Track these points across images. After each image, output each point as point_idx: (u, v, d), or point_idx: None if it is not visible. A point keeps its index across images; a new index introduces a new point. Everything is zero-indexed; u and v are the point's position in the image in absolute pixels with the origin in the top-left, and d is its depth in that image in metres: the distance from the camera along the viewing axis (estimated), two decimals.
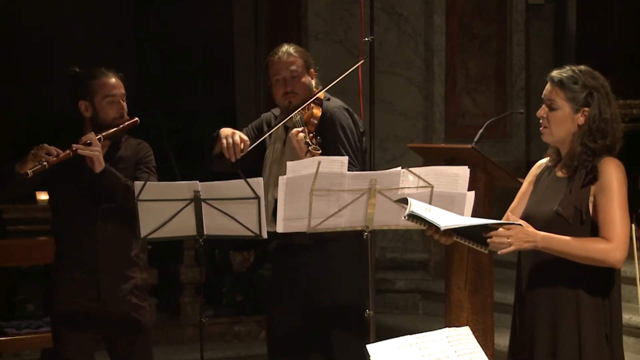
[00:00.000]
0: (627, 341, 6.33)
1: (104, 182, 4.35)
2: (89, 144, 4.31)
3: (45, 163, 4.20)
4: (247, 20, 8.84)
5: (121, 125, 4.46)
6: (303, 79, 4.71)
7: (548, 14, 8.50)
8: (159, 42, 9.77)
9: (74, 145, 4.29)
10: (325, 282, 4.66)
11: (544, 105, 3.70)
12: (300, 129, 4.44)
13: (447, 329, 3.44)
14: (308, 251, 4.64)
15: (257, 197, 4.19)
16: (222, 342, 7.45)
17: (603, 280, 3.65)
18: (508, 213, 3.70)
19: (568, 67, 3.70)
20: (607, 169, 3.60)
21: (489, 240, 3.49)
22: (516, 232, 3.49)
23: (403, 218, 3.59)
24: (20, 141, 8.72)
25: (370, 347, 3.33)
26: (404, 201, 3.65)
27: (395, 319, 7.48)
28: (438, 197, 4.02)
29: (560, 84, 3.65)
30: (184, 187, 4.25)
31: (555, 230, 3.57)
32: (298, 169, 4.08)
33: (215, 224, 4.30)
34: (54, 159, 4.23)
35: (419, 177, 4.05)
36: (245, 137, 4.59)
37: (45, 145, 4.26)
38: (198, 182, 4.25)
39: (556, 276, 3.63)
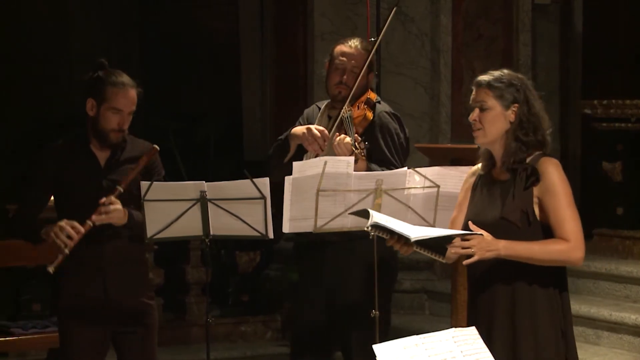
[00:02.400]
0: (634, 341, 6.33)
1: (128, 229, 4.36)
2: (107, 212, 4.26)
3: (66, 251, 4.21)
4: (253, 21, 8.84)
5: (143, 161, 4.36)
6: (360, 77, 4.62)
7: (554, 14, 8.50)
8: (165, 43, 9.76)
9: (94, 217, 4.24)
10: (348, 281, 4.63)
11: (474, 110, 3.75)
12: (343, 136, 4.41)
13: (453, 329, 3.44)
14: (333, 248, 4.60)
15: (263, 197, 4.19)
16: (227, 342, 7.44)
17: (556, 277, 3.71)
18: (468, 222, 3.71)
19: (490, 71, 3.80)
20: (547, 170, 3.66)
21: (452, 250, 3.58)
22: (478, 241, 3.57)
23: (366, 229, 3.62)
24: (24, 141, 8.75)
25: (376, 347, 3.33)
26: (363, 214, 3.69)
27: (401, 319, 7.48)
28: (444, 197, 4.03)
29: (487, 85, 3.74)
30: (190, 187, 4.25)
31: (503, 236, 3.62)
32: (304, 169, 4.09)
33: (222, 224, 4.30)
34: (73, 242, 4.21)
35: (425, 177, 4.07)
36: (321, 127, 4.51)
37: (65, 226, 4.22)
38: (204, 182, 4.25)
39: (514, 274, 3.67)
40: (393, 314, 7.60)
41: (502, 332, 3.70)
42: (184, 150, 8.73)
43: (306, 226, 4.13)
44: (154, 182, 4.22)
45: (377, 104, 4.70)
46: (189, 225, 4.28)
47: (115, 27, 10.01)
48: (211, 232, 4.31)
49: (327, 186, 4.07)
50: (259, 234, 4.26)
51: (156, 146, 4.41)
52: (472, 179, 3.86)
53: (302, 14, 8.18)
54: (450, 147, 6.39)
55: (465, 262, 3.62)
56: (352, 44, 4.69)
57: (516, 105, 3.71)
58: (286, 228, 4.14)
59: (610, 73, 8.25)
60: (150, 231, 4.25)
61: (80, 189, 4.38)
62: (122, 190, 4.29)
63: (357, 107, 4.61)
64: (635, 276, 6.76)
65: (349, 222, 4.16)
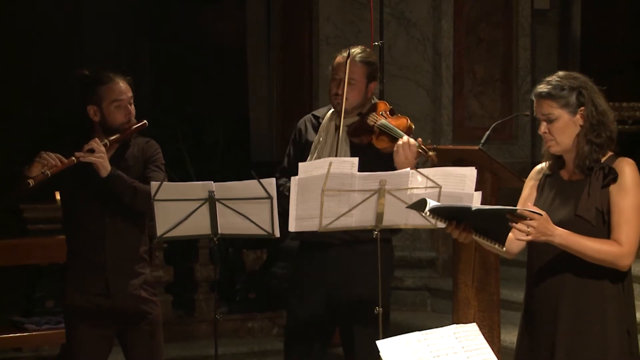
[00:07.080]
0: None
1: (111, 186, 4.37)
2: (92, 151, 4.32)
3: (47, 172, 4.21)
4: (259, 24, 8.87)
5: (128, 129, 4.47)
6: (359, 89, 4.66)
7: (553, 19, 8.51)
8: (174, 46, 9.82)
9: (77, 154, 4.30)
10: (349, 279, 4.65)
11: (542, 123, 3.71)
12: (407, 138, 4.42)
13: (454, 325, 3.48)
14: (336, 249, 4.62)
15: (270, 197, 4.21)
16: (235, 338, 7.49)
17: (621, 275, 3.68)
18: (528, 203, 3.69)
19: (547, 79, 3.73)
20: (624, 169, 3.63)
21: (511, 224, 3.49)
22: (539, 223, 3.50)
23: (424, 214, 3.60)
24: (37, 144, 8.81)
25: (380, 343, 3.36)
26: (419, 205, 3.66)
27: (404, 315, 7.47)
28: (446, 197, 4.03)
29: (549, 96, 3.67)
30: (199, 187, 4.26)
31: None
32: (309, 169, 4.12)
33: (229, 223, 4.31)
34: (56, 168, 4.24)
35: (427, 177, 4.08)
36: None
37: (50, 153, 4.28)
38: (212, 182, 4.27)
39: (582, 268, 3.63)
40: (395, 310, 7.67)
41: (567, 335, 3.66)
42: (192, 151, 8.79)
43: (311, 225, 4.13)
44: (164, 183, 4.25)
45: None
46: (198, 225, 4.30)
47: (125, 31, 10.04)
48: (219, 231, 4.32)
49: (331, 186, 4.06)
50: (265, 233, 4.27)
51: (145, 122, 4.51)
52: (538, 177, 3.84)
53: (308, 18, 8.21)
54: (452, 148, 6.36)
55: (517, 237, 3.54)
56: (346, 55, 4.63)
57: (582, 108, 3.65)
58: (292, 227, 4.14)
59: (608, 78, 8.29)
60: (159, 230, 4.27)
61: (84, 186, 4.45)
62: (108, 143, 4.37)
63: (381, 115, 4.63)
64: None
65: (353, 222, 4.18)
